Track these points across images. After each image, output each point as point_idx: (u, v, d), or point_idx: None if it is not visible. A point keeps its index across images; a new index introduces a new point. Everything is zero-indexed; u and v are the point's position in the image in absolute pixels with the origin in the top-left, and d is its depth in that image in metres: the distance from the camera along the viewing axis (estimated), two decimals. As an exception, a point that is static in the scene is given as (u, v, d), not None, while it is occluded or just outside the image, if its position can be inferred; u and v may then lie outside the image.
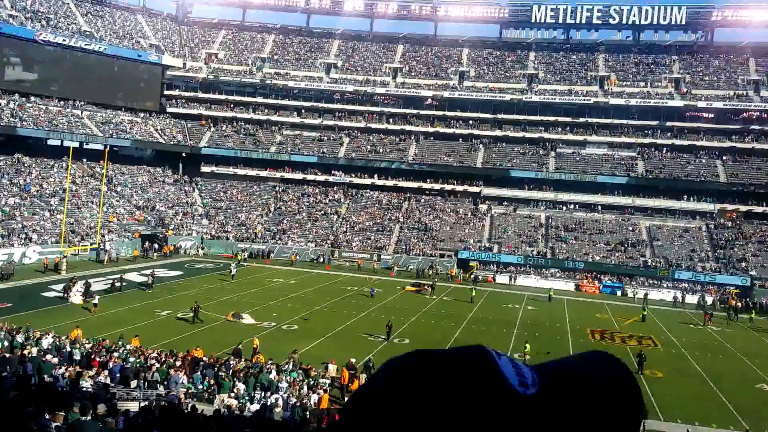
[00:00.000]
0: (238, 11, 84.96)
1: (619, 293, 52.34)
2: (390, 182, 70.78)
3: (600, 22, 76.11)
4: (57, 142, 63.93)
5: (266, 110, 76.31)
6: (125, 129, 68.51)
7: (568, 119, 71.59)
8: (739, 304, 46.83)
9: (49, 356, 22.52)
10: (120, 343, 25.64)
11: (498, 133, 73.10)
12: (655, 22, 74.59)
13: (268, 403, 20.18)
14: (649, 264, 56.51)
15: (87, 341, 25.55)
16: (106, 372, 21.69)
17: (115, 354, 23.65)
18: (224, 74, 76.19)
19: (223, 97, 76.08)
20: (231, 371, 22.86)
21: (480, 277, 53.03)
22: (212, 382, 22.00)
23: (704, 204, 63.78)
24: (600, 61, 76.55)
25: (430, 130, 74.74)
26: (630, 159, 68.96)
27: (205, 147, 72.26)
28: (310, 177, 71.75)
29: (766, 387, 27.81)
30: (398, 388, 0.84)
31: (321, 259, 57.58)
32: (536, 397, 0.88)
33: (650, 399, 24.07)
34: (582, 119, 71.23)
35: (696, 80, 71.63)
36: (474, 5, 79.64)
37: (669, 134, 69.59)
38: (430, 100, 75.47)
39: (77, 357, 23.38)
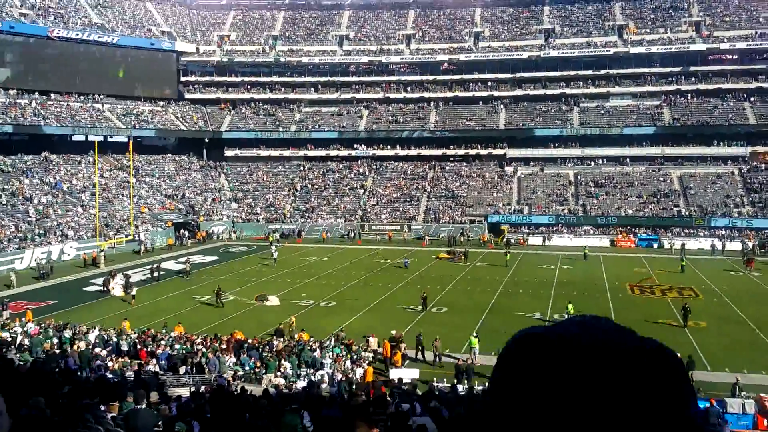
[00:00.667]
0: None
1: (655, 246, 51.76)
2: (413, 151, 70.37)
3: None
4: (82, 138, 64.56)
5: (283, 89, 76.07)
6: (147, 119, 68.91)
7: (589, 72, 70.17)
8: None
9: (97, 349, 23.05)
10: (164, 331, 26.08)
11: (518, 92, 72.01)
12: (670, -36, 72.44)
13: (315, 380, 20.44)
14: (684, 214, 55.67)
15: (133, 332, 26.02)
16: (155, 360, 22.14)
17: (162, 342, 24.07)
18: (238, 56, 75.95)
19: (239, 79, 75.94)
20: (274, 351, 23.17)
21: (512, 241, 52.80)
22: (258, 363, 22.32)
23: (735, 148, 62.43)
24: (617, 10, 74.64)
25: (449, 95, 73.89)
26: (655, 108, 67.55)
27: (226, 131, 72.45)
28: (333, 153, 71.64)
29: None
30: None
31: (351, 235, 57.74)
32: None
33: (696, 350, 23.88)
34: (603, 71, 69.75)
35: (716, 22, 69.52)
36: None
37: (693, 79, 67.88)
38: (446, 64, 74.39)
39: (125, 348, 23.84)
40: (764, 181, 58.06)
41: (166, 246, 52.35)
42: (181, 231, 55.62)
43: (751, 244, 48.55)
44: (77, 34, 66.35)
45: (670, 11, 72.71)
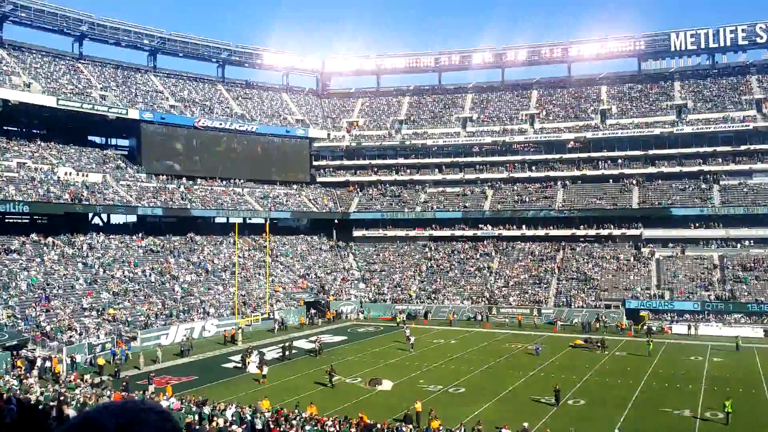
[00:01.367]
0: (372, 78, 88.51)
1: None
2: (541, 231, 68.99)
3: (747, 42, 70.84)
4: (223, 220, 68.98)
5: (408, 170, 77.92)
6: (282, 201, 72.65)
7: (728, 148, 66.50)
8: None
9: (234, 426, 23.60)
10: (296, 410, 26.32)
11: (651, 170, 69.37)
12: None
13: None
14: None
15: (269, 411, 26.49)
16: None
17: (294, 422, 24.26)
18: (366, 140, 79.07)
19: (366, 162, 78.77)
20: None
21: (654, 328, 49.52)
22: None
23: None
24: (753, 84, 71.00)
25: (577, 173, 72.44)
26: (807, 185, 62.48)
27: (354, 212, 74.77)
28: (457, 233, 71.72)
29: None
30: None
31: (479, 317, 56.69)
32: None
33: None
34: (743, 147, 65.83)
35: None
36: (607, 41, 77.44)
37: None
38: (572, 143, 73.36)
39: (259, 426, 24.22)
40: None
41: (298, 324, 53.82)
42: (311, 310, 57.12)
43: None
44: (220, 124, 72.03)
45: (816, 83, 68.24)
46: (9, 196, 48.83)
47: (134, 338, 42.71)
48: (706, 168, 67.23)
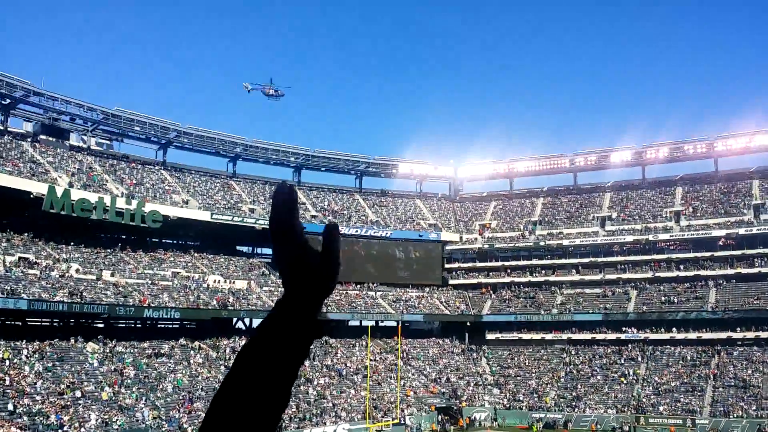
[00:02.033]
0: (505, 182, 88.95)
1: None
2: (692, 335, 63.61)
3: None
4: (356, 323, 70.36)
5: (543, 271, 75.92)
6: (414, 304, 73.13)
7: None
8: None
9: None
10: None
11: (815, 266, 62.74)
12: None
13: None
14: None
15: None
16: None
17: None
18: (498, 242, 78.61)
19: (499, 264, 77.91)
20: None
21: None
22: None
23: None
24: None
25: (730, 272, 66.97)
26: None
27: (487, 314, 73.42)
28: (599, 336, 67.84)
29: None
30: None
31: (625, 428, 52.33)
32: None
33: None
34: None
35: None
36: (756, 134, 72.92)
37: None
38: (723, 240, 68.40)
39: None
40: None
41: (430, 431, 52.46)
42: (442, 416, 55.59)
43: None
44: (356, 231, 75.04)
45: None
46: (163, 303, 53.32)
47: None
48: None
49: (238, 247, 74.20)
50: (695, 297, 66.25)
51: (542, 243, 75.89)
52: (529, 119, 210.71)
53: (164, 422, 42.55)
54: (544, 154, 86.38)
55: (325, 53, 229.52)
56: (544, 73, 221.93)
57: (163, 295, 54.66)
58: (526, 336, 70.92)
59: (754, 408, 51.61)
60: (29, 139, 61.37)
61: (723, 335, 62.16)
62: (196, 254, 66.26)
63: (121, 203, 57.39)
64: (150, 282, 56.16)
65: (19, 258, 49.58)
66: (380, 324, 72.51)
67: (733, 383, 55.75)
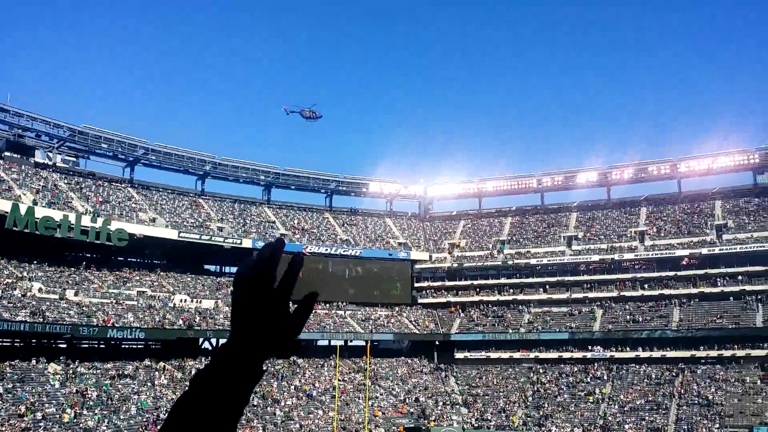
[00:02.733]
0: (474, 201, 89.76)
1: None
2: (657, 353, 64.61)
3: None
4: (325, 342, 69.98)
5: (511, 290, 76.52)
6: (383, 323, 73.07)
7: None
8: None
9: None
10: None
11: (776, 286, 64.36)
12: None
13: None
14: None
15: None
16: None
17: None
18: (467, 261, 79.12)
19: (468, 282, 78.35)
20: None
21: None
22: None
23: None
24: None
25: (693, 291, 68.31)
26: None
27: (455, 333, 73.63)
28: (565, 355, 68.49)
29: None
30: None
31: (590, 446, 52.78)
32: None
33: None
34: None
35: None
36: (719, 156, 74.86)
37: None
38: (687, 260, 69.88)
39: None
40: None
41: (397, 452, 52.29)
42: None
43: None
44: (326, 249, 74.97)
45: None
46: (127, 323, 52.55)
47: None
48: (839, 282, 61.62)
49: (205, 266, 73.57)
50: (659, 316, 67.37)
51: (510, 262, 76.60)
52: (499, 139, 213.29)
53: (129, 445, 41.79)
54: (513, 173, 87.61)
55: (297, 71, 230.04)
56: (513, 93, 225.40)
57: (127, 315, 53.90)
58: (494, 355, 71.23)
59: (717, 426, 52.42)
60: (-7, 156, 60.36)
61: (687, 354, 63.25)
62: (162, 273, 65.49)
63: (86, 221, 56.61)
64: (115, 301, 55.35)
65: (-20, 277, 48.53)
66: (349, 343, 72.29)
67: (696, 401, 56.62)
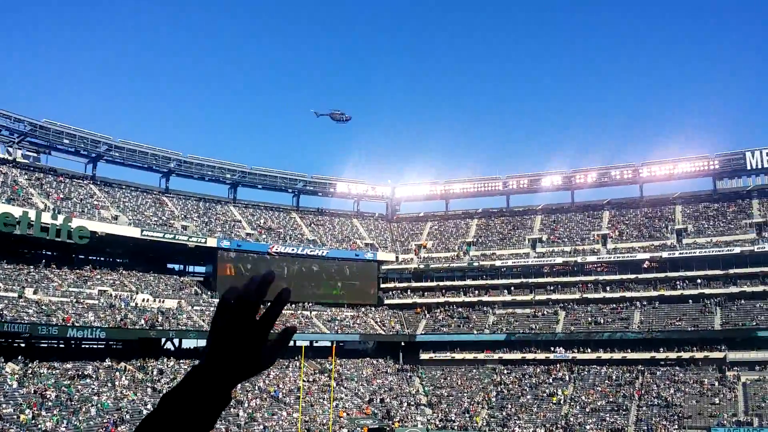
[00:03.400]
0: (441, 203, 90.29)
1: None
2: (617, 355, 65.82)
3: (828, 159, 68.71)
4: (290, 343, 69.36)
5: (477, 291, 77.16)
6: (349, 324, 72.99)
7: (817, 266, 62.96)
8: None
9: None
10: None
11: (733, 289, 66.11)
12: None
13: None
14: None
15: None
16: None
17: None
18: (433, 262, 79.52)
19: (434, 284, 78.79)
20: None
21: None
22: None
23: None
24: (837, 199, 68.07)
25: (654, 294, 69.79)
26: None
27: (421, 334, 73.94)
28: (529, 356, 69.34)
29: None
30: None
31: (552, 446, 53.49)
32: None
33: None
34: (834, 264, 62.24)
35: None
36: (680, 161, 76.63)
37: None
38: (647, 263, 71.33)
39: None
40: None
41: (361, 452, 52.25)
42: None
43: None
44: (292, 249, 74.59)
45: None
46: (88, 323, 51.51)
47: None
48: (792, 286, 63.62)
49: (169, 265, 72.54)
50: (620, 318, 68.63)
51: (476, 264, 77.22)
52: (466, 141, 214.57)
53: (86, 447, 40.96)
54: (479, 176, 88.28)
55: (263, 70, 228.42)
56: (481, 96, 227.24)
57: (88, 314, 52.85)
58: (458, 356, 71.76)
59: (676, 427, 53.56)
60: (-51, 151, 58.66)
61: (647, 355, 64.56)
62: (124, 272, 64.40)
63: (46, 218, 55.36)
64: (75, 300, 54.21)
65: (-66, 274, 47.09)
66: (314, 344, 72.05)
67: (656, 402, 57.79)
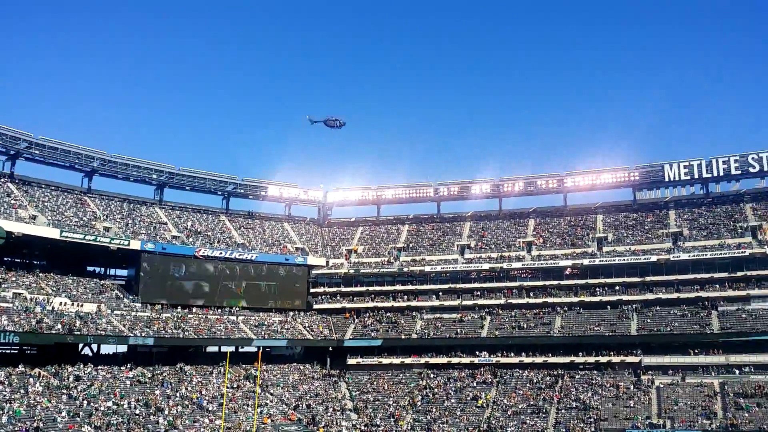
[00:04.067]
0: (372, 208, 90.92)
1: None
2: (539, 359, 67.78)
3: (740, 172, 72.57)
4: (215, 349, 68.27)
5: (405, 297, 77.91)
6: (276, 329, 72.27)
7: (725, 275, 66.48)
8: None
9: None
10: None
11: (649, 296, 69.14)
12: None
13: None
14: None
15: None
16: None
17: None
18: (364, 267, 79.76)
19: (363, 289, 79.06)
20: None
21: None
22: None
23: None
24: (748, 212, 72.17)
25: (575, 300, 72.19)
26: (806, 309, 61.64)
27: (349, 339, 73.99)
28: (454, 360, 70.50)
29: None
30: None
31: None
32: None
33: None
34: (740, 273, 65.87)
35: None
36: (602, 172, 79.64)
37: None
38: (569, 270, 73.83)
39: None
40: None
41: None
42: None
43: None
44: (220, 253, 73.38)
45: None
46: (1, 327, 49.20)
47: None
48: (703, 294, 67.07)
49: (89, 268, 70.07)
50: (543, 323, 70.61)
51: (406, 269, 77.95)
52: (399, 147, 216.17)
53: (-6, 458, 39.09)
54: (411, 182, 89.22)
55: (194, 69, 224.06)
56: (414, 101, 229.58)
57: (1, 318, 50.47)
58: (386, 360, 72.27)
59: (593, 429, 55.24)
60: None
61: (566, 359, 66.71)
62: (41, 274, 61.89)
63: (-43, 217, 52.62)
64: (-13, 304, 51.71)
65: None
66: (240, 350, 71.04)
67: (574, 405, 59.62)
